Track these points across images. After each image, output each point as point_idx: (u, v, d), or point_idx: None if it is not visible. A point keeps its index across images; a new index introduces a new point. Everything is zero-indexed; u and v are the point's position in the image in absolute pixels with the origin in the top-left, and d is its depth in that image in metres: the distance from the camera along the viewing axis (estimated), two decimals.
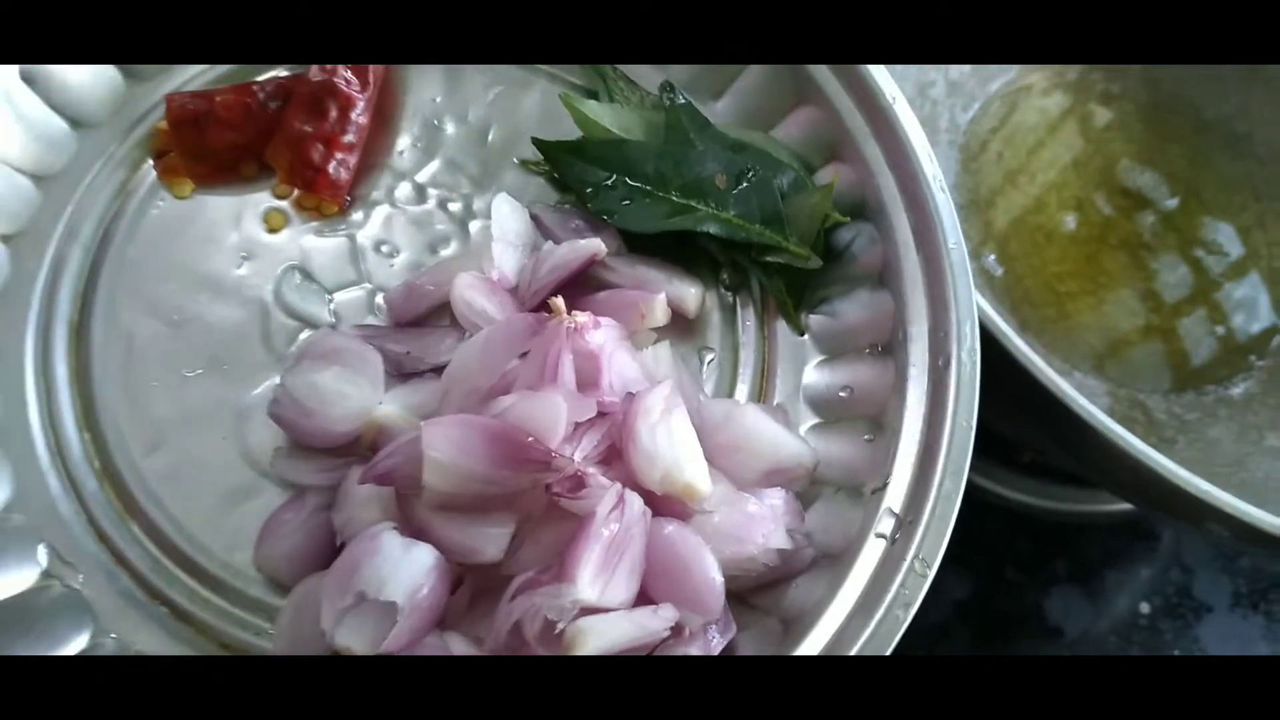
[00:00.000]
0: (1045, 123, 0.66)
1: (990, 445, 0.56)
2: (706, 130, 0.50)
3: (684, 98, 0.52)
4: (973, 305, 0.44)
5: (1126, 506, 0.60)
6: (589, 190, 0.49)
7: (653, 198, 0.48)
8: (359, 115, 0.49)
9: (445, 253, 0.49)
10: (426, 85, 0.53)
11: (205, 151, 0.49)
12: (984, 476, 0.59)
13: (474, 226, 0.50)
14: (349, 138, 0.49)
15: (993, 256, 0.61)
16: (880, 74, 0.47)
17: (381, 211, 0.50)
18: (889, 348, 0.45)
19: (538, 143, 0.50)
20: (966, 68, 0.65)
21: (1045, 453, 0.55)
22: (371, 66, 0.50)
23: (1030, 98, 0.66)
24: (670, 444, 0.40)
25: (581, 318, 0.42)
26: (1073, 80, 0.67)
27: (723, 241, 0.48)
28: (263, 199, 0.49)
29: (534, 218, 0.50)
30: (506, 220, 0.48)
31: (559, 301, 0.42)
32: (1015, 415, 0.46)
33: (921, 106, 0.63)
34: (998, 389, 0.45)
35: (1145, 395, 0.58)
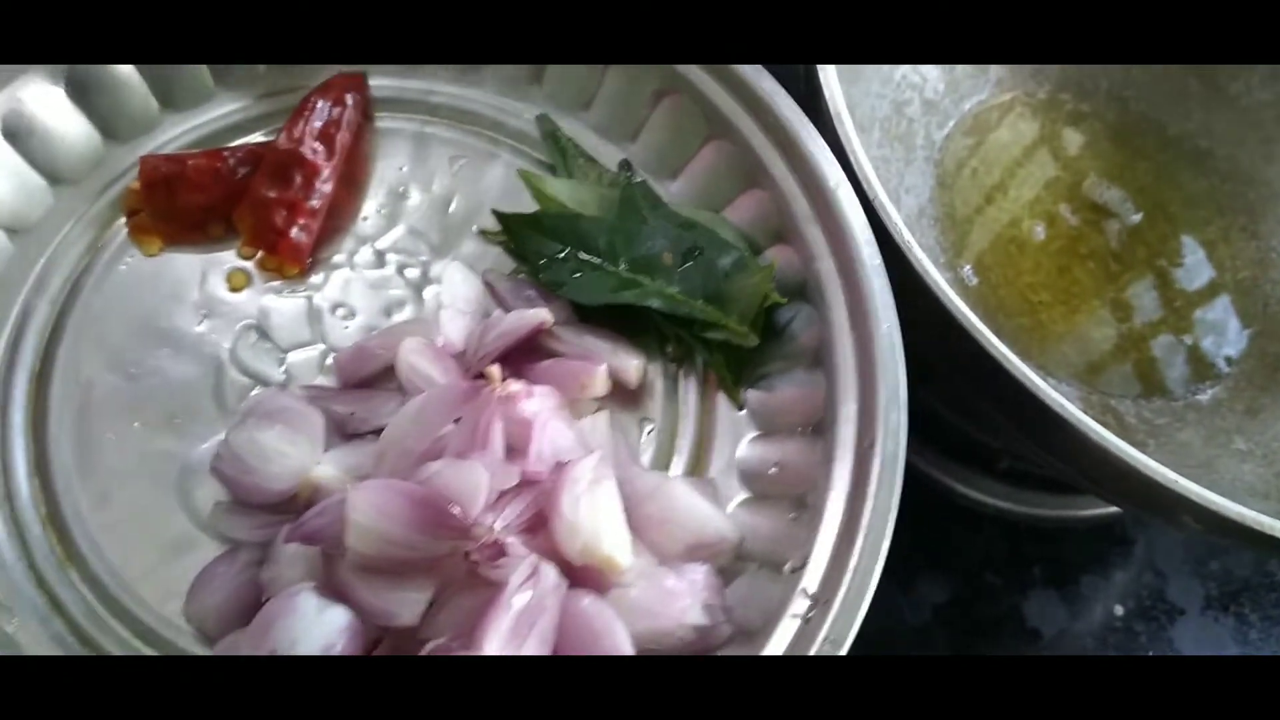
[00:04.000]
0: (1017, 140, 0.68)
1: (968, 452, 0.59)
2: (659, 208, 0.52)
3: (640, 176, 0.54)
4: (900, 389, 0.44)
5: (1102, 511, 0.61)
6: (542, 262, 0.50)
7: (602, 272, 0.49)
8: (324, 183, 0.51)
9: (399, 317, 0.51)
10: (395, 154, 0.55)
11: (175, 212, 0.51)
12: (962, 483, 0.60)
13: (429, 292, 0.51)
14: (313, 204, 0.50)
15: (969, 267, 0.63)
16: (826, 160, 0.48)
17: (341, 275, 0.52)
18: (820, 427, 0.46)
19: (497, 213, 0.52)
20: (941, 86, 0.67)
21: (1022, 455, 0.56)
22: (339, 137, 0.52)
23: (1003, 116, 0.69)
24: (593, 515, 0.41)
25: (515, 386, 0.43)
26: (1043, 100, 0.70)
27: (666, 316, 0.49)
28: (228, 259, 0.51)
29: (488, 285, 0.51)
30: (457, 287, 0.50)
31: (494, 369, 0.44)
32: (993, 417, 0.48)
33: (898, 124, 0.65)
34: (975, 391, 0.46)
35: (1116, 401, 0.60)
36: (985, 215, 0.65)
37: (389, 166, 0.54)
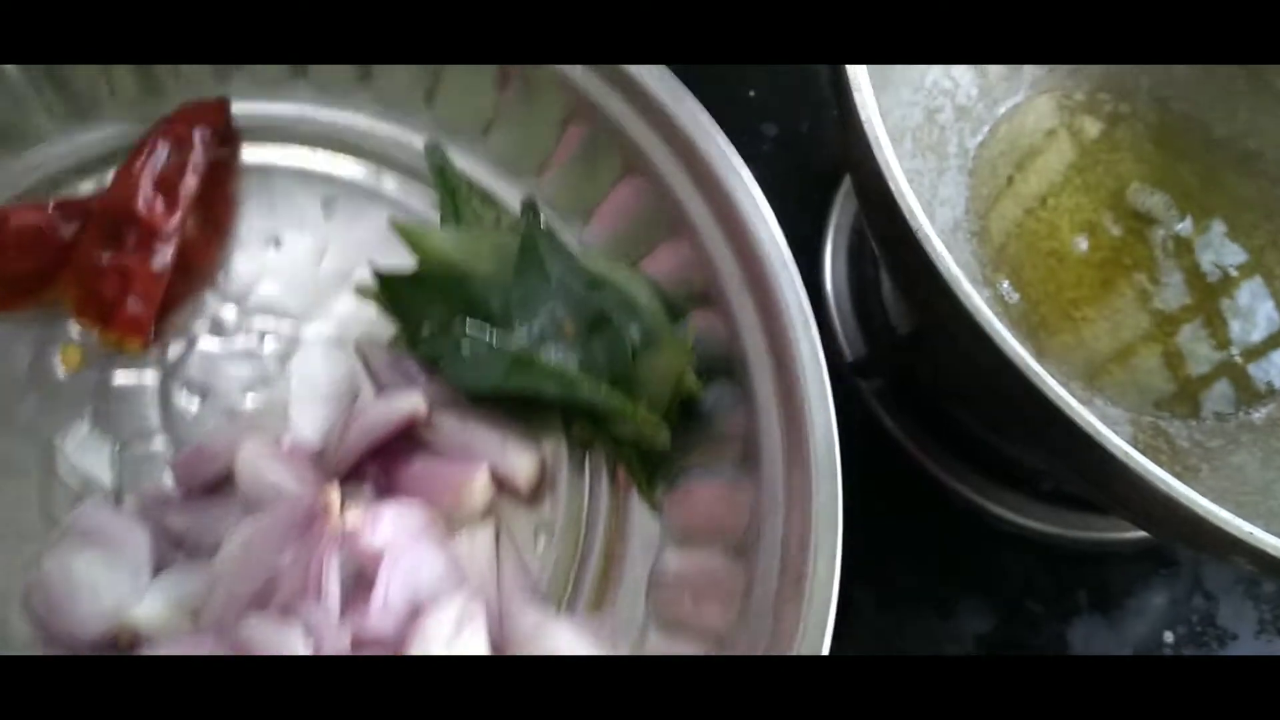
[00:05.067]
0: (1054, 145, 0.64)
1: (1007, 473, 0.56)
2: (564, 259, 0.43)
3: (546, 217, 0.45)
4: (837, 505, 0.36)
5: (1148, 534, 0.57)
6: (424, 332, 0.42)
7: (491, 350, 0.41)
8: (165, 242, 0.43)
9: (258, 396, 0.43)
10: (262, 193, 0.47)
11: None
12: (1001, 505, 0.57)
13: (294, 363, 0.44)
14: (152, 267, 0.43)
15: (1007, 283, 0.58)
16: (756, 212, 0.40)
17: (194, 346, 0.44)
18: (743, 547, 0.38)
19: (374, 271, 0.44)
20: (974, 90, 0.63)
21: (1066, 482, 0.53)
22: (184, 184, 0.44)
23: (1039, 120, 0.64)
24: None
25: (354, 519, 0.36)
26: (1081, 101, 0.65)
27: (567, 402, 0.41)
28: (66, 330, 0.44)
29: (361, 356, 0.43)
30: (314, 369, 0.43)
31: (333, 497, 0.36)
32: (1034, 446, 0.44)
33: (930, 133, 0.60)
34: (1016, 419, 0.42)
35: (1167, 423, 0.56)
36: (1023, 226, 0.60)
37: (255, 208, 0.46)
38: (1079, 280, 0.58)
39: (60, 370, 0.43)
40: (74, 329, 0.44)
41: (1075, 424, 0.37)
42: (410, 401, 0.40)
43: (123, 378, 0.43)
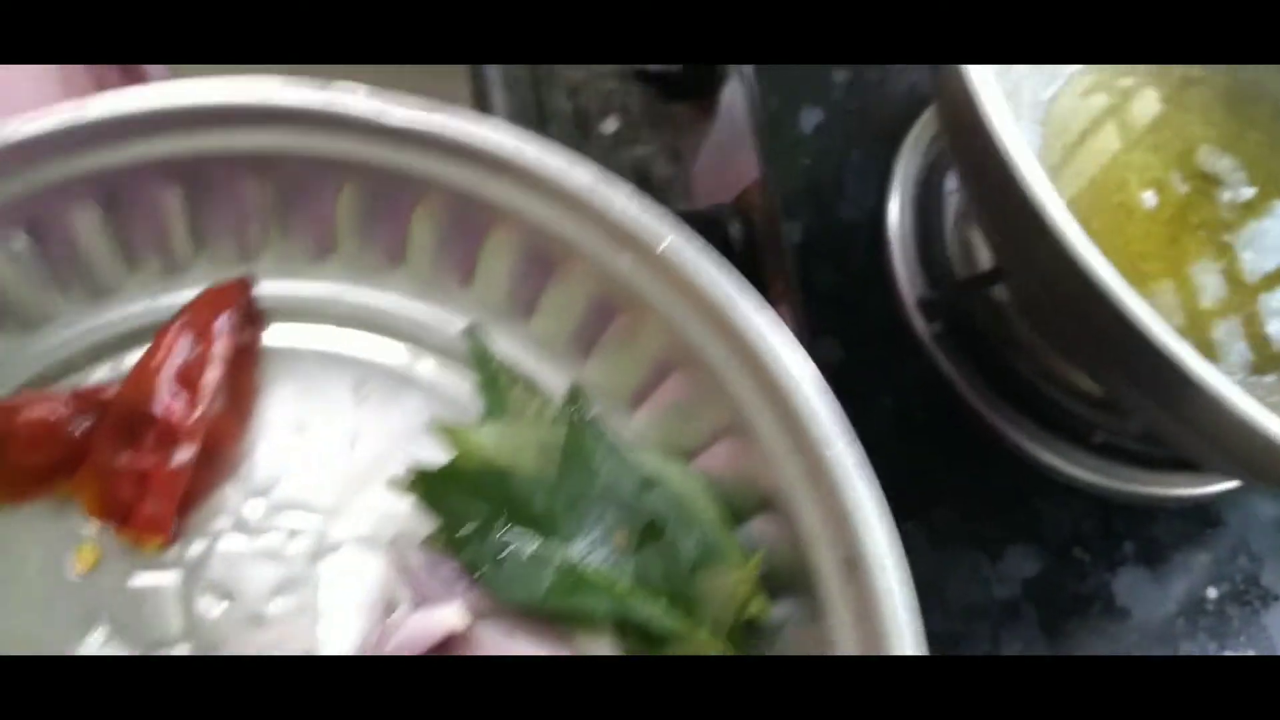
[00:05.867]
0: (1125, 104, 0.65)
1: (1062, 424, 0.58)
2: (613, 457, 0.41)
3: (594, 407, 0.43)
4: None
5: (1195, 491, 0.60)
6: (463, 532, 0.40)
7: (535, 558, 0.39)
8: (186, 438, 0.40)
9: (285, 601, 0.40)
10: (291, 378, 0.44)
11: (9, 472, 0.41)
12: (1054, 454, 0.59)
13: (323, 567, 0.41)
14: (172, 465, 0.40)
15: None
16: (824, 416, 0.37)
17: (217, 544, 0.41)
18: None
19: (410, 468, 0.41)
20: None
21: (1140, 418, 0.53)
22: (205, 378, 0.41)
23: (1110, 79, 0.66)
24: None
25: None
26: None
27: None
28: (80, 526, 0.41)
29: (396, 559, 0.41)
30: (346, 576, 0.40)
31: None
32: (1117, 379, 0.45)
33: (1004, 83, 0.62)
34: (1101, 353, 0.43)
35: (1227, 375, 0.55)
36: (1093, 180, 0.61)
37: (280, 393, 0.44)
38: (1146, 234, 0.59)
39: (74, 570, 0.41)
40: (89, 525, 0.41)
41: (1165, 355, 0.37)
42: (449, 616, 0.38)
43: (141, 579, 0.41)
